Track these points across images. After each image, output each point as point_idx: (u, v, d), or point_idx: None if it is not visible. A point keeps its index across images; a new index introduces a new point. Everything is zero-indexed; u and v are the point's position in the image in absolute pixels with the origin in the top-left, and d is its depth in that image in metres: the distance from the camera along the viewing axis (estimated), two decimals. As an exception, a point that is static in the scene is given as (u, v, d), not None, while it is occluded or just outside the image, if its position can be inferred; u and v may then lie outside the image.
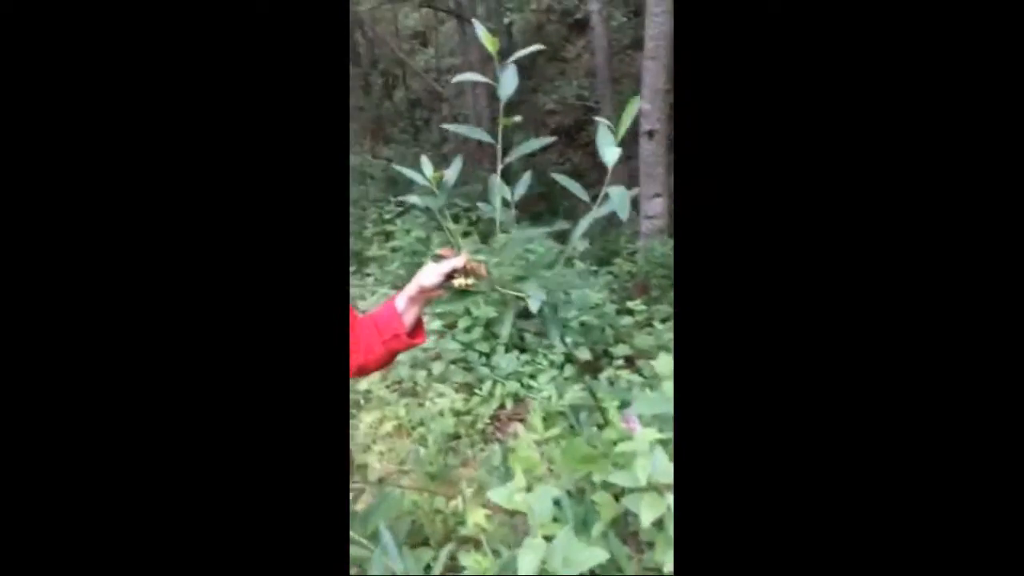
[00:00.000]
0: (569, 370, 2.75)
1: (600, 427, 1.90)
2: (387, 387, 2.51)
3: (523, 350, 2.88)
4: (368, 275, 3.51)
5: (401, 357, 2.62)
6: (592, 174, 5.66)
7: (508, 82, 0.93)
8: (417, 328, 0.99)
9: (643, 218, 3.95)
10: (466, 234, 3.39)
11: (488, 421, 2.39)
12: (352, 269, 3.63)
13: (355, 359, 0.94)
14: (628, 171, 4.34)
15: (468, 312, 2.80)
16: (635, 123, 3.98)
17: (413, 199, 1.07)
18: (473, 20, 1.00)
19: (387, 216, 4.18)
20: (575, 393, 2.56)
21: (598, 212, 0.92)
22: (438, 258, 0.97)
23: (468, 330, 2.87)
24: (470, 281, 0.97)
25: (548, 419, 2.43)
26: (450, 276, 0.95)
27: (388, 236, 4.00)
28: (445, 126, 1.12)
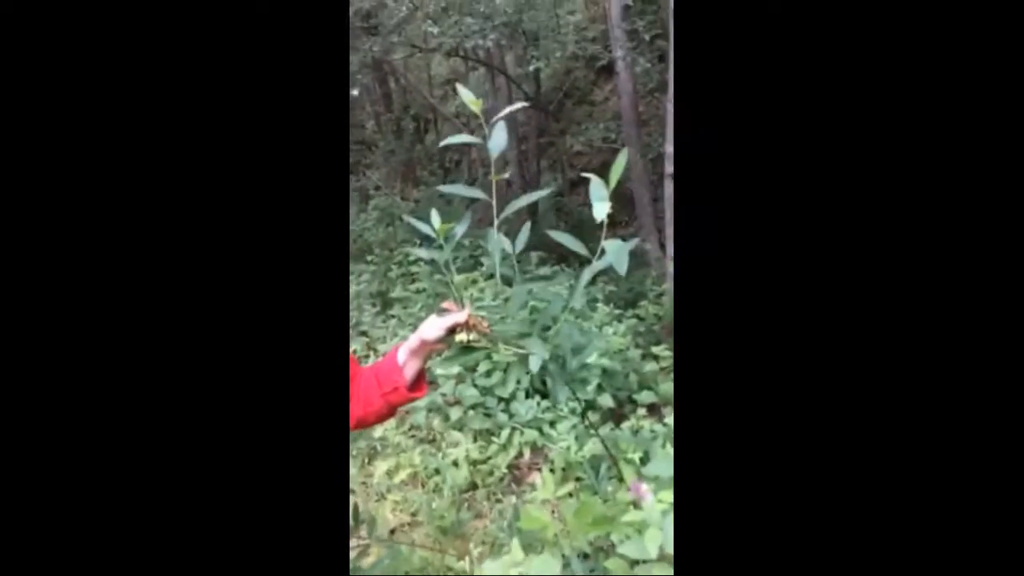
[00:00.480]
0: (592, 417, 2.67)
1: (621, 480, 1.81)
2: (403, 433, 2.47)
3: (544, 395, 2.81)
4: (392, 316, 3.52)
5: (418, 403, 2.58)
6: (620, 214, 5.64)
7: (498, 138, 0.93)
8: (418, 381, 0.97)
9: (669, 259, 3.88)
10: (474, 282, 3.37)
11: (505, 471, 2.31)
12: (375, 310, 3.64)
13: (354, 411, 0.92)
14: (656, 212, 4.31)
15: (488, 356, 2.76)
16: (660, 164, 3.96)
17: (420, 252, 1.05)
18: (457, 85, 1.00)
19: (412, 258, 4.22)
20: (596, 442, 2.47)
21: (596, 267, 0.89)
22: (442, 311, 0.96)
23: (488, 374, 2.82)
24: (472, 337, 0.95)
25: (568, 469, 2.35)
26: (452, 330, 0.93)
27: (413, 278, 4.02)
28: (441, 188, 1.11)
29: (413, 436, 2.49)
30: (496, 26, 3.92)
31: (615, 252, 0.84)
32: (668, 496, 0.95)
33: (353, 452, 2.42)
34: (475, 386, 2.68)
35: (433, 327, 0.92)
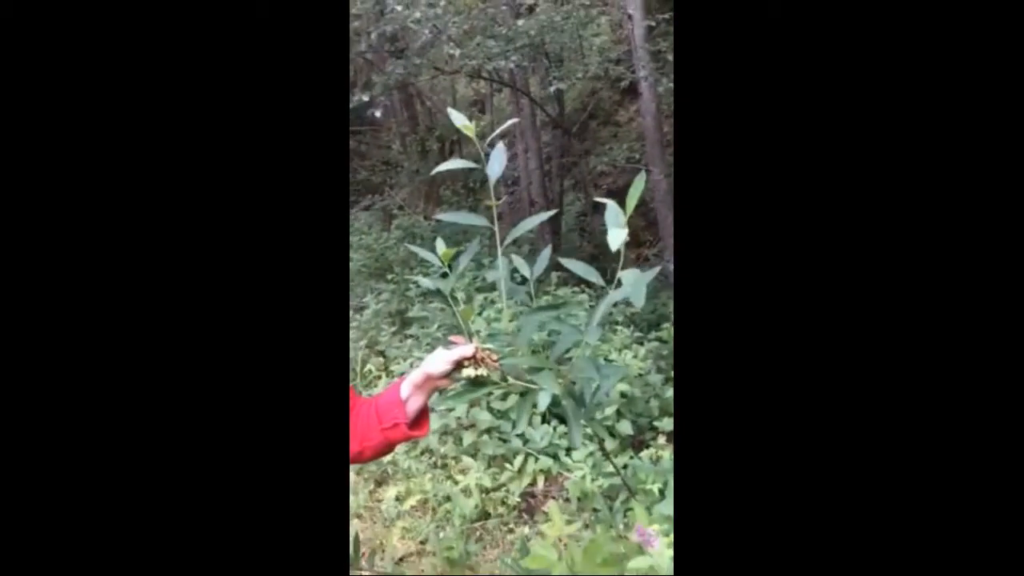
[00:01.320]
0: (610, 444, 2.57)
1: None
2: (415, 457, 2.41)
3: (562, 420, 2.73)
4: (409, 336, 3.49)
5: (432, 425, 2.53)
6: (646, 234, 5.55)
7: (496, 161, 0.89)
8: (421, 419, 0.91)
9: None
10: (492, 302, 3.32)
11: (519, 499, 2.23)
12: (393, 329, 3.62)
13: (351, 445, 0.87)
14: (678, 233, 4.21)
15: (504, 379, 2.70)
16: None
17: (425, 282, 1.01)
18: (448, 108, 0.97)
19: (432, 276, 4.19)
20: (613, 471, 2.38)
21: (612, 298, 0.83)
22: (449, 344, 0.91)
23: (504, 398, 2.76)
24: (480, 371, 0.89)
25: (584, 499, 2.25)
26: (460, 365, 0.88)
27: (433, 300, 4.00)
28: (439, 215, 1.07)
29: (425, 460, 2.43)
30: (519, 48, 3.93)
31: (632, 283, 0.77)
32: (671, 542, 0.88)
33: (364, 475, 2.37)
34: (489, 410, 2.62)
35: (439, 361, 0.87)
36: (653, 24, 3.95)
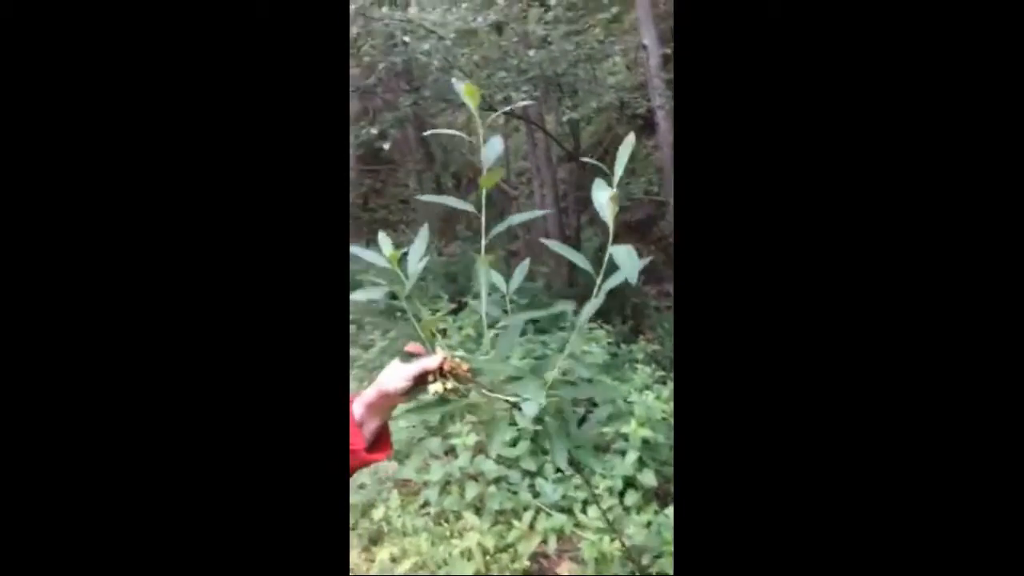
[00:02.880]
0: (632, 497, 2.30)
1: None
2: (412, 512, 2.17)
3: (579, 468, 2.47)
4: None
5: (433, 475, 2.29)
6: (666, 269, 5.35)
7: (493, 148, 0.81)
8: (381, 441, 0.78)
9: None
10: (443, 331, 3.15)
11: (528, 562, 1.97)
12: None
13: None
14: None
15: (513, 421, 2.47)
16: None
17: (357, 296, 0.81)
18: (453, 80, 0.89)
19: (439, 313, 4.09)
20: (637, 529, 2.11)
21: (608, 285, 0.73)
22: (407, 356, 0.76)
23: (514, 444, 2.51)
24: (450, 385, 0.75)
25: (601, 561, 1.99)
26: (423, 379, 0.75)
27: (443, 333, 3.83)
28: (420, 197, 0.99)
29: (422, 514, 2.19)
30: (531, 79, 3.85)
31: (625, 259, 0.66)
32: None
33: (358, 531, 2.14)
34: (499, 460, 2.38)
35: (395, 376, 0.74)
36: (668, 52, 3.85)
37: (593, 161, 0.75)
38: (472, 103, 0.77)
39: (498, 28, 4.02)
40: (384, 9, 3.65)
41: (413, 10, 4.03)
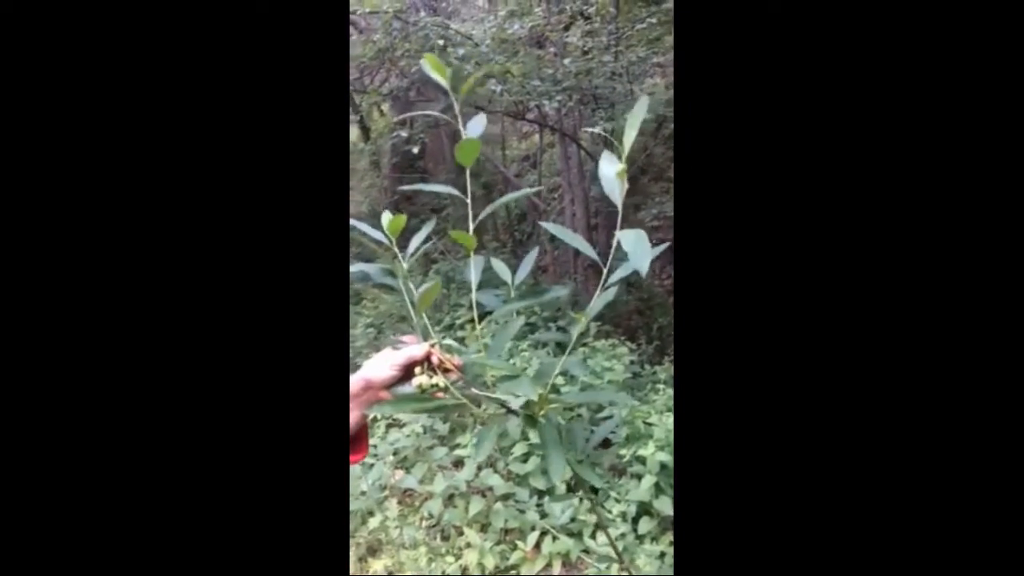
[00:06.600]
0: (646, 525, 2.16)
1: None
2: (412, 524, 2.07)
3: (595, 490, 2.34)
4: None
5: (436, 487, 2.19)
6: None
7: (475, 126, 0.75)
8: (357, 441, 0.71)
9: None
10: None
11: (530, 587, 1.85)
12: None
13: None
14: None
15: (524, 436, 2.35)
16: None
17: (361, 268, 0.74)
18: (424, 58, 0.81)
19: (459, 321, 4.03)
20: (649, 560, 1.96)
21: (618, 275, 0.67)
22: (398, 344, 0.70)
23: (524, 459, 2.40)
24: (436, 380, 0.68)
25: (610, 594, 1.85)
26: (410, 370, 0.69)
27: (461, 343, 3.76)
28: (402, 188, 0.92)
29: (424, 527, 2.09)
30: (565, 89, 3.78)
31: (633, 244, 0.56)
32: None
33: (356, 540, 2.05)
34: (504, 473, 2.27)
35: (382, 365, 0.68)
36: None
37: (598, 131, 0.67)
38: (441, 78, 0.70)
39: (538, 42, 3.98)
40: (421, 14, 3.64)
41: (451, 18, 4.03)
